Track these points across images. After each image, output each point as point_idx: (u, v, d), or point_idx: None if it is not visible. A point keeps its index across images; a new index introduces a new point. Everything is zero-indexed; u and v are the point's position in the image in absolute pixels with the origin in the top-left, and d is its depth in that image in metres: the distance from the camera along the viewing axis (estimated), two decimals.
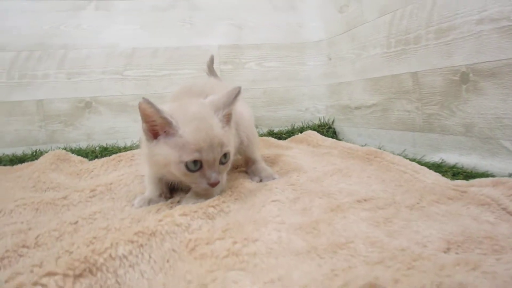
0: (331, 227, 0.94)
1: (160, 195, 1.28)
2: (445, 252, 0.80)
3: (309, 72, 2.76)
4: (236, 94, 1.16)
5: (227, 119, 1.18)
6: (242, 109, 1.50)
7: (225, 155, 1.14)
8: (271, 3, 2.72)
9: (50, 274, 0.66)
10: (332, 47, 2.59)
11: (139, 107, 1.07)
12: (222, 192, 1.24)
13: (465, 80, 1.53)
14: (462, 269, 0.67)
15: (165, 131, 1.10)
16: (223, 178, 1.17)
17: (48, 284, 0.65)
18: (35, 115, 2.40)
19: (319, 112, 2.75)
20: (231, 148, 1.16)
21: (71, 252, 0.82)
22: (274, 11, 2.72)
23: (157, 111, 1.07)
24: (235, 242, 0.85)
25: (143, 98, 1.06)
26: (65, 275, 0.67)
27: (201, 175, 1.11)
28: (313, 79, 2.76)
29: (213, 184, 1.11)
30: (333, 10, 2.50)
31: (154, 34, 2.57)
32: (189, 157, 1.08)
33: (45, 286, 0.64)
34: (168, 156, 1.10)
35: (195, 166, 1.10)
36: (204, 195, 1.18)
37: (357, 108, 2.32)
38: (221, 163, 1.14)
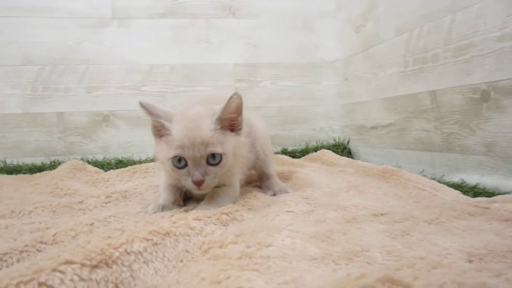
0: (346, 236, 0.93)
1: (174, 202, 1.30)
2: (467, 262, 0.77)
3: (324, 92, 2.76)
4: (230, 98, 1.17)
5: (230, 125, 1.21)
6: (259, 124, 1.54)
7: (214, 156, 1.16)
8: (288, 23, 2.74)
9: (68, 262, 0.67)
10: (348, 67, 2.59)
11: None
12: (235, 202, 1.26)
13: (485, 98, 1.51)
14: (484, 274, 0.64)
15: (164, 131, 1.19)
16: (212, 179, 1.17)
17: (66, 271, 0.66)
18: (55, 126, 2.46)
19: (334, 132, 2.74)
20: (224, 151, 1.17)
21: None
22: (290, 31, 2.74)
23: (151, 114, 1.20)
24: (248, 246, 0.84)
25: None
26: (82, 264, 0.68)
27: (187, 172, 1.16)
28: (328, 98, 2.75)
29: (196, 182, 1.14)
30: (350, 30, 2.51)
31: (171, 51, 2.61)
32: (173, 152, 1.15)
33: (63, 273, 0.65)
34: (162, 152, 1.19)
35: (179, 162, 1.16)
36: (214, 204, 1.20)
37: (373, 128, 2.30)
38: (210, 164, 1.16)
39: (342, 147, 2.60)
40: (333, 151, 2.45)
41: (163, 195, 1.33)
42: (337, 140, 2.69)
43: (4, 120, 2.40)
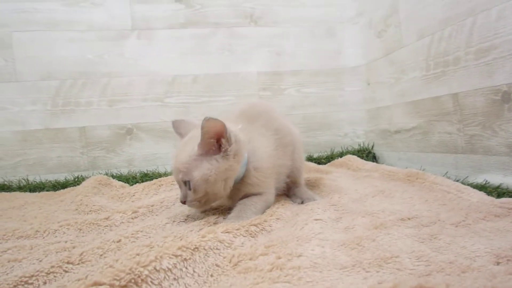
0: (375, 243, 0.93)
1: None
2: (495, 265, 0.78)
3: (347, 97, 2.76)
4: (201, 125, 1.16)
5: (219, 147, 1.21)
6: (295, 132, 1.57)
7: (185, 183, 1.21)
8: (310, 31, 2.75)
9: (96, 284, 0.67)
10: (370, 71, 2.59)
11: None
12: (265, 210, 1.29)
13: (506, 99, 1.51)
14: None
15: None
16: (190, 202, 1.23)
17: None
18: (77, 141, 2.46)
19: (358, 137, 2.74)
20: (194, 178, 1.19)
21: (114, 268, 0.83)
22: (313, 38, 2.74)
23: (176, 133, 1.40)
24: (278, 257, 0.84)
25: (172, 121, 1.41)
26: (111, 285, 0.68)
27: None
28: (352, 104, 2.76)
29: (180, 201, 1.25)
30: (372, 36, 2.51)
31: (194, 61, 2.61)
32: None
33: None
34: None
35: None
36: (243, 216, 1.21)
37: (396, 132, 2.30)
38: (188, 188, 1.22)
39: (366, 151, 2.60)
40: (358, 156, 2.46)
41: None
42: (361, 145, 2.70)
43: (25, 136, 2.40)
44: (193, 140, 1.23)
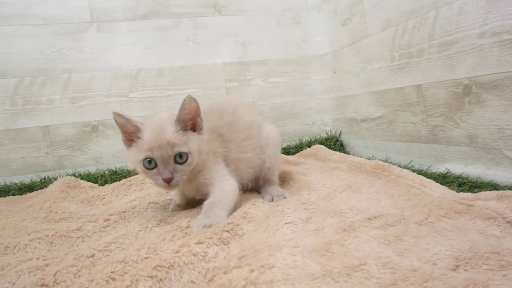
0: (343, 248, 0.97)
1: (187, 203, 1.51)
2: (454, 269, 0.83)
3: (314, 86, 2.80)
4: (183, 101, 1.28)
5: (192, 126, 1.33)
6: (270, 132, 1.64)
7: (181, 156, 1.28)
8: (276, 19, 2.76)
9: None
10: (336, 60, 2.63)
11: (114, 120, 1.30)
12: (233, 205, 1.35)
13: (467, 92, 1.56)
14: None
15: (136, 137, 1.30)
16: (180, 176, 1.29)
17: None
18: (41, 141, 2.42)
19: (326, 125, 2.79)
20: (189, 149, 1.29)
21: None
22: (279, 27, 2.76)
23: (128, 120, 1.30)
24: (252, 270, 0.86)
25: (113, 112, 1.29)
26: None
27: (157, 172, 1.28)
28: (319, 93, 2.80)
29: (166, 180, 1.26)
30: (337, 24, 2.54)
31: (158, 54, 2.60)
32: (143, 155, 1.27)
33: None
34: (134, 157, 1.30)
35: (150, 164, 1.28)
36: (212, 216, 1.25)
37: (363, 120, 2.35)
38: (178, 163, 1.28)
39: (334, 139, 2.65)
40: (326, 144, 2.51)
41: (178, 196, 1.56)
42: (329, 133, 2.75)
43: None
44: (167, 120, 1.31)
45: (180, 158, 1.28)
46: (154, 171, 1.28)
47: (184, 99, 1.27)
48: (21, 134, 2.39)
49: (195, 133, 1.32)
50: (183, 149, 1.27)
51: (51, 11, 2.44)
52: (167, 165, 1.27)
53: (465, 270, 0.83)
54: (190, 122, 1.31)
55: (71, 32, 2.47)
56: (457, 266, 0.85)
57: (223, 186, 1.39)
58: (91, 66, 2.50)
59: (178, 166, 1.28)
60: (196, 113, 1.31)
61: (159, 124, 1.30)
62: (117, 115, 1.29)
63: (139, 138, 1.30)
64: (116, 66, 2.54)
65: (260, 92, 2.71)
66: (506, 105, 1.42)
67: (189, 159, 1.29)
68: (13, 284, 0.96)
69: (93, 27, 2.51)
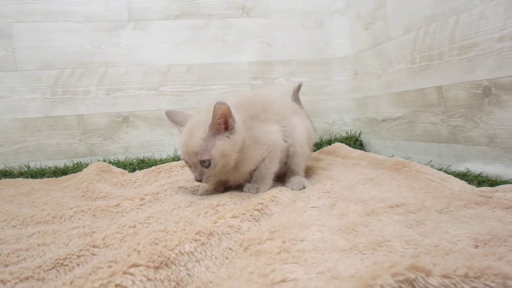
0: (368, 228, 1.03)
1: (216, 189, 1.61)
2: (474, 248, 0.89)
3: (335, 87, 2.86)
4: (214, 107, 1.36)
5: (225, 125, 1.42)
6: (298, 124, 1.73)
7: (204, 161, 1.41)
8: (299, 22, 2.83)
9: (135, 265, 0.76)
10: (358, 62, 2.69)
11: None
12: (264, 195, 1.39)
13: (487, 93, 1.62)
14: (489, 258, 0.77)
15: None
16: (208, 177, 1.45)
17: (135, 273, 0.75)
18: (76, 129, 2.53)
19: (346, 125, 2.85)
20: (212, 156, 1.40)
21: (139, 251, 0.92)
22: (302, 30, 2.83)
23: (172, 122, 1.56)
24: (284, 242, 0.94)
25: (165, 112, 1.58)
26: (147, 266, 0.77)
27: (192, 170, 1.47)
28: (340, 93, 2.86)
29: (196, 180, 1.45)
30: (359, 28, 2.61)
31: (188, 51, 2.69)
32: (180, 155, 1.48)
33: (133, 274, 0.74)
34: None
35: (186, 163, 1.48)
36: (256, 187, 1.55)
37: (383, 120, 2.41)
38: (204, 166, 1.42)
39: (354, 139, 2.70)
40: (346, 143, 2.55)
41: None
42: (349, 133, 2.80)
43: (25, 124, 2.47)
44: (199, 124, 1.42)
45: (204, 163, 1.41)
46: (191, 168, 1.47)
47: (215, 106, 1.35)
48: (58, 121, 2.51)
49: (226, 133, 1.41)
50: (205, 157, 1.39)
51: (92, 9, 2.56)
52: (196, 167, 1.43)
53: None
54: (223, 124, 1.40)
55: (109, 29, 2.59)
56: (476, 246, 0.89)
57: (267, 162, 1.58)
58: (126, 61, 2.61)
59: (205, 170, 1.43)
60: (228, 115, 1.40)
61: (190, 129, 1.43)
62: (167, 116, 1.56)
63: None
64: (149, 61, 2.64)
65: (283, 91, 2.75)
66: None
67: (212, 164, 1.41)
68: (67, 245, 1.06)
69: (130, 25, 2.61)
